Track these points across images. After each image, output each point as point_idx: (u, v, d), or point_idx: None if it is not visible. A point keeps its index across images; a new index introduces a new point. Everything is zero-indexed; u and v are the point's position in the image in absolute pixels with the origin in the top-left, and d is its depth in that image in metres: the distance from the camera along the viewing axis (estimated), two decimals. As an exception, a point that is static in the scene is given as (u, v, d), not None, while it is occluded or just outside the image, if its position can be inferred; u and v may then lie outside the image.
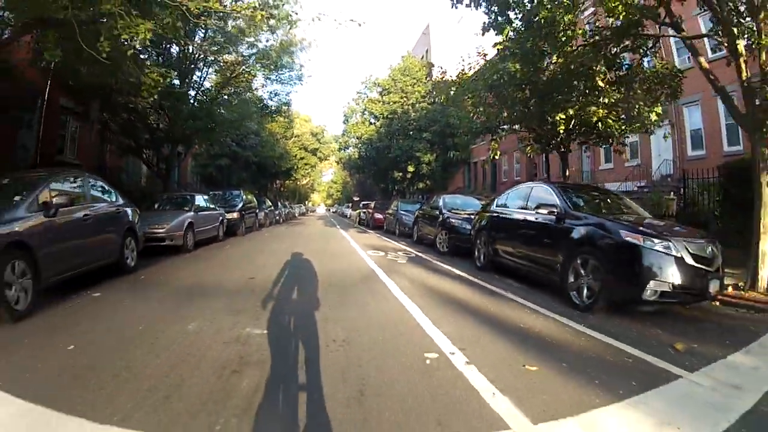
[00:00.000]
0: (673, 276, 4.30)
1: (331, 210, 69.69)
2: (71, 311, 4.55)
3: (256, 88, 18.92)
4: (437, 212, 11.45)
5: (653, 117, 8.56)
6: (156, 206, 11.23)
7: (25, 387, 2.59)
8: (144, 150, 15.63)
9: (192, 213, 10.78)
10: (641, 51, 8.26)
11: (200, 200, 11.98)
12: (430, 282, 6.68)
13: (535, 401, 2.56)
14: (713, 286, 4.58)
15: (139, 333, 3.75)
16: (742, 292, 5.61)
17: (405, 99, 28.22)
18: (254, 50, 15.54)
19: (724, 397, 2.71)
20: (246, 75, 16.73)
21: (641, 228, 4.77)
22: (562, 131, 8.80)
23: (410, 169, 26.44)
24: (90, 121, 11.94)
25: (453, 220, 10.53)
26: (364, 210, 25.75)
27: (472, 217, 9.30)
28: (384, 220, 19.59)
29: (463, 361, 3.19)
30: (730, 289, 5.70)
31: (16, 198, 4.87)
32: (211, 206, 12.75)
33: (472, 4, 8.14)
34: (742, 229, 6.76)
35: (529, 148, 11.11)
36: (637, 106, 8.33)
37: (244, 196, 17.11)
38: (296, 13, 12.06)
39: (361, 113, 30.66)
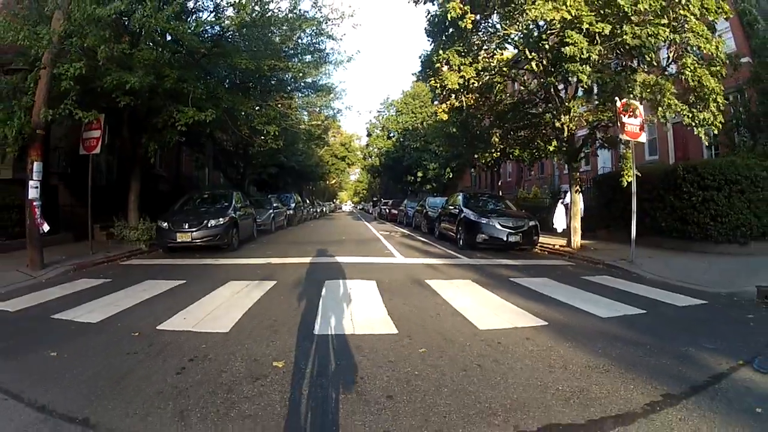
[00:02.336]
0: (487, 233, 10.89)
1: (357, 207, 76.72)
2: (251, 246, 11.49)
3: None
4: (423, 209, 18.12)
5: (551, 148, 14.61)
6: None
7: (263, 252, 9.48)
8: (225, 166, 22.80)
9: (272, 210, 17.78)
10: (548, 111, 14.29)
11: (275, 202, 19.03)
12: (404, 240, 13.46)
13: (410, 257, 9.29)
14: (513, 239, 11.08)
15: (286, 247, 10.61)
16: (565, 247, 11.89)
17: (415, 118, 35.00)
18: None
19: (474, 261, 9.34)
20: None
21: (476, 212, 11.39)
22: (487, 163, 15.39)
23: (419, 174, 33.19)
24: (205, 154, 19.15)
25: (429, 213, 17.14)
26: (383, 206, 32.77)
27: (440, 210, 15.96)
28: (397, 215, 26.40)
29: (399, 255, 9.92)
30: (557, 245, 11.99)
31: (224, 203, 11.85)
32: (281, 205, 19.79)
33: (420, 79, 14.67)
34: (597, 216, 13.03)
35: (473, 170, 17.74)
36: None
37: (296, 197, 24.17)
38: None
39: (380, 128, 37.60)
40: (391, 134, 36.48)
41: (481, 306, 5.09)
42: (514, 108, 12.84)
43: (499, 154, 14.94)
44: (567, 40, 8.52)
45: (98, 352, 3.47)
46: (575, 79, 9.58)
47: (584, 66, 8.64)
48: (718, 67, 9.40)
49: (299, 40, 14.04)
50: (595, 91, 10.84)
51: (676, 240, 10.51)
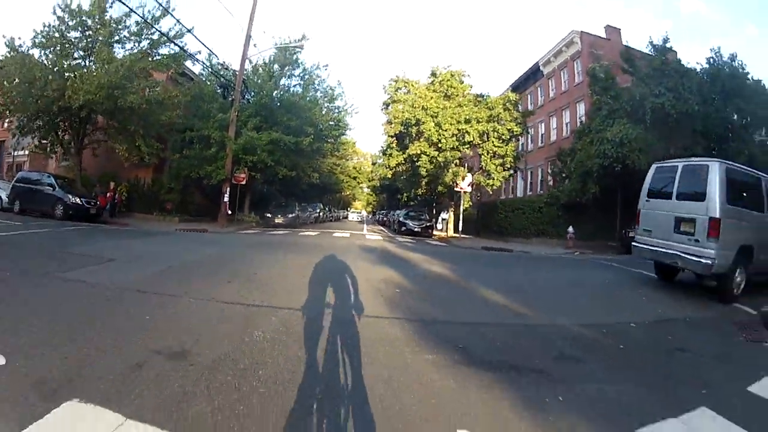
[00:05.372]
0: (406, 227, 24.47)
1: (363, 215, 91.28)
2: (305, 227, 25.33)
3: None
4: (394, 216, 31.71)
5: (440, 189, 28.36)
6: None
7: (311, 229, 23.28)
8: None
9: (309, 213, 31.64)
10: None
11: (310, 208, 32.96)
12: (375, 229, 27.18)
13: (370, 233, 22.98)
14: (418, 230, 24.56)
15: (318, 228, 24.37)
16: (442, 236, 25.42)
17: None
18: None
19: (398, 237, 22.99)
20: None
21: (405, 217, 25.10)
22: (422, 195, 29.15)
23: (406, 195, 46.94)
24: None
25: (400, 219, 30.65)
26: (379, 215, 46.80)
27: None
28: (386, 221, 40.18)
29: (366, 230, 23.59)
30: (446, 234, 25.49)
31: (290, 208, 25.68)
32: (312, 210, 33.75)
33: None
34: (476, 222, 26.75)
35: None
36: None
37: (320, 206, 38.20)
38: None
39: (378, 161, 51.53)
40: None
41: (376, 239, 18.73)
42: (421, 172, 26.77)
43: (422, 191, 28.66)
44: (441, 146, 22.42)
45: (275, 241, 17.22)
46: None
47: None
48: (504, 160, 23.17)
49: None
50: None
51: (497, 234, 24.08)
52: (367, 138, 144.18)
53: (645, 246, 8.70)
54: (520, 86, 40.73)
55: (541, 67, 36.23)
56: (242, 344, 3.68)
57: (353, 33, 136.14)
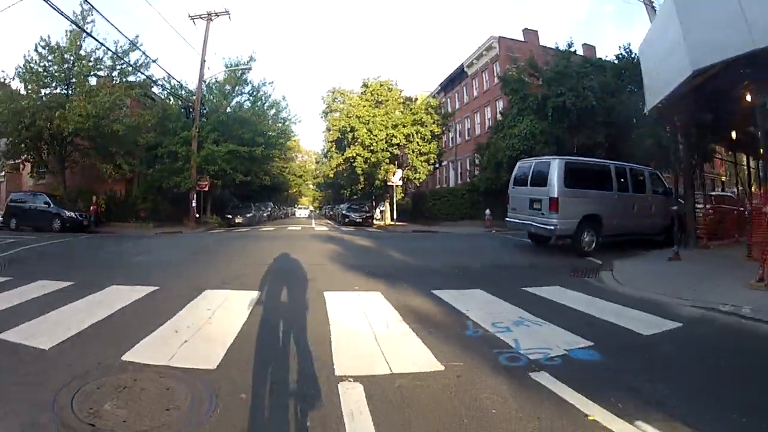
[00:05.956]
0: (349, 218, 28.66)
1: (310, 210, 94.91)
2: (262, 225, 29.05)
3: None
4: (341, 210, 35.81)
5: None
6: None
7: (268, 225, 27.07)
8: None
9: (263, 211, 35.21)
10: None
11: (263, 207, 36.51)
12: (322, 222, 31.24)
13: (318, 226, 27.06)
14: (359, 220, 28.85)
15: (276, 224, 28.16)
16: (381, 225, 29.87)
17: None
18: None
19: (342, 227, 27.21)
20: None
21: (348, 210, 29.43)
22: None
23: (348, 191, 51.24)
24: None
25: (343, 212, 34.76)
26: (326, 209, 50.90)
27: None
28: (333, 214, 44.23)
29: (315, 224, 27.63)
30: (384, 222, 29.92)
31: (249, 207, 29.31)
32: (264, 208, 37.30)
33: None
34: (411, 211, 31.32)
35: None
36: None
37: (271, 204, 41.73)
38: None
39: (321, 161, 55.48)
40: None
41: (323, 229, 22.85)
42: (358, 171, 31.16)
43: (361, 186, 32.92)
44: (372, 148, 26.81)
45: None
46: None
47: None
48: (428, 156, 27.88)
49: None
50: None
51: (429, 220, 28.74)
52: (309, 135, 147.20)
53: (512, 220, 11.99)
54: (448, 86, 45.84)
55: (465, 69, 41.01)
56: (276, 262, 7.81)
57: (295, 47, 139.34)
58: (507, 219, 12.45)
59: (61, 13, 17.93)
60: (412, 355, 3.53)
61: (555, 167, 10.51)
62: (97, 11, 25.70)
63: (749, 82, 7.79)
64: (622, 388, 2.88)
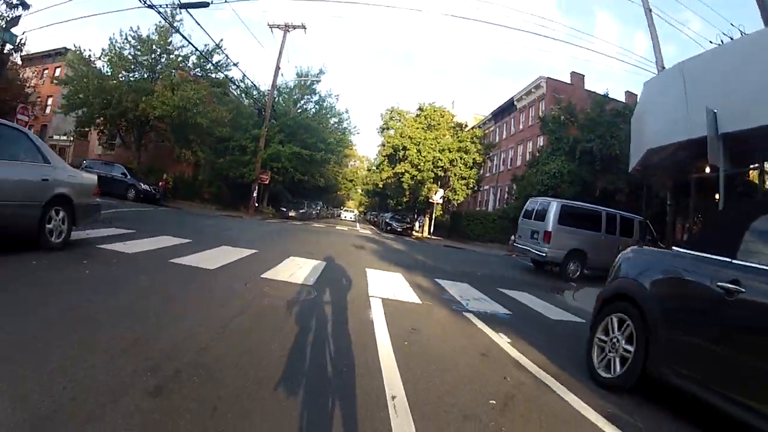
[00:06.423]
0: (391, 227, 31.83)
1: (355, 213, 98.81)
2: (313, 221, 32.68)
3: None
4: (385, 218, 39.04)
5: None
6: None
7: (318, 221, 30.63)
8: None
9: (312, 209, 38.98)
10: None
11: (312, 204, 40.34)
12: (365, 227, 34.55)
13: (362, 229, 30.32)
14: (400, 230, 31.97)
15: (324, 221, 31.70)
16: (420, 236, 32.84)
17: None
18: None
19: (384, 234, 30.39)
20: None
21: (391, 219, 32.60)
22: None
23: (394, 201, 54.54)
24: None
25: (386, 220, 38.01)
26: (370, 216, 54.41)
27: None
28: (376, 221, 47.61)
29: (359, 228, 30.97)
30: (421, 234, 32.90)
31: (304, 204, 33.08)
32: (314, 206, 41.09)
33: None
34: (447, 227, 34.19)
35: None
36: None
37: (320, 203, 45.60)
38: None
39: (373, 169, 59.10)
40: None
41: (367, 233, 26.09)
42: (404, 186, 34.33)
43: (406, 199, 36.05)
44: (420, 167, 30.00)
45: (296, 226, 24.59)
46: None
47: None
48: (468, 181, 30.78)
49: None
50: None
51: (462, 238, 31.57)
52: (364, 142, 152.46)
53: (518, 245, 15.08)
54: (498, 114, 48.64)
55: (515, 102, 43.81)
56: (332, 248, 11.05)
57: (361, 64, 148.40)
58: (515, 244, 15.46)
59: (159, 12, 19.07)
60: (408, 296, 6.68)
61: (553, 207, 13.12)
62: (191, 16, 29.86)
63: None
64: (510, 328, 5.81)
